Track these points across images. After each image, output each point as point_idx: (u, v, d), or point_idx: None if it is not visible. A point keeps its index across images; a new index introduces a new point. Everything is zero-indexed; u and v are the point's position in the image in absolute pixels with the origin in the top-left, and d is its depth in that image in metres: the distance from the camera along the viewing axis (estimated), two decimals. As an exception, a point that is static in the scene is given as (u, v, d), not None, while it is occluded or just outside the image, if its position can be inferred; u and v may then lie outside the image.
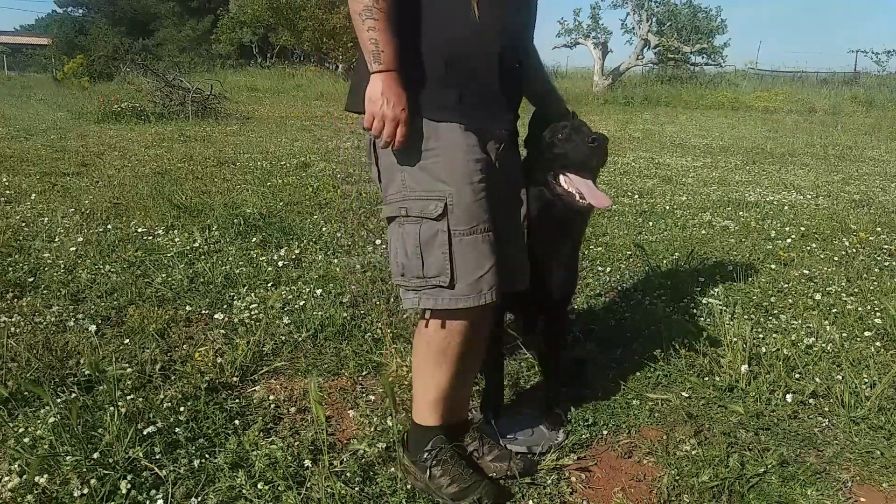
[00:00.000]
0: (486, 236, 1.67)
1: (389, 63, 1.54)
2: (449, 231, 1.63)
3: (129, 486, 1.74)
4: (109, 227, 4.26)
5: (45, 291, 3.17)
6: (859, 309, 3.19)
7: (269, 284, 3.37)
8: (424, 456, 1.82)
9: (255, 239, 4.10)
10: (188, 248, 3.87)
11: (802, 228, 4.86)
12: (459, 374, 1.80)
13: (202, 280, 3.39)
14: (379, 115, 1.56)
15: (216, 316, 2.95)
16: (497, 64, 1.68)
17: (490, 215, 1.68)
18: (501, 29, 1.67)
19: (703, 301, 3.23)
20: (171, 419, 2.08)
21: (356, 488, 1.81)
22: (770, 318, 3.13)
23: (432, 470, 1.80)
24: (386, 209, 1.72)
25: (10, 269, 3.44)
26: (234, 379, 2.39)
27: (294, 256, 3.84)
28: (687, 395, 2.42)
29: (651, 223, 4.98)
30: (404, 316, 2.89)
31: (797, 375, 2.55)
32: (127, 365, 2.41)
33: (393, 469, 1.90)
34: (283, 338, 2.78)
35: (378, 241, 4.14)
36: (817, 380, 2.48)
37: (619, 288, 3.54)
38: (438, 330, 1.73)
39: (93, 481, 1.72)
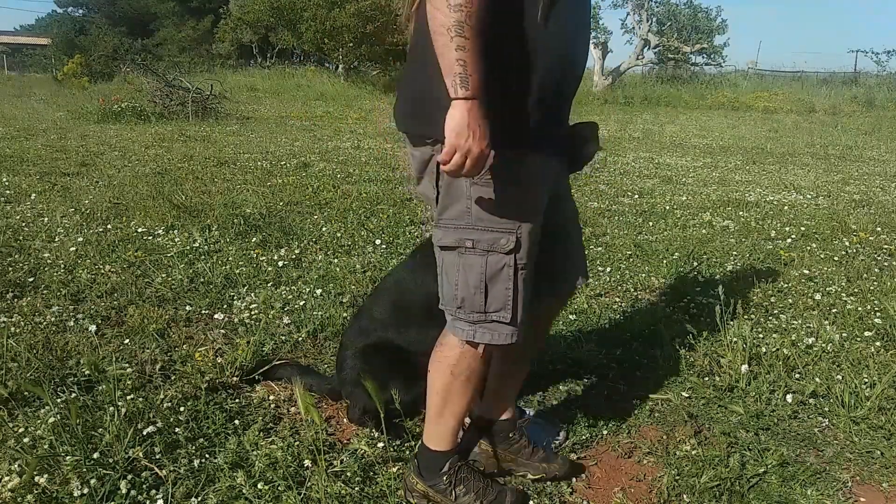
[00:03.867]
0: (534, 268, 1.64)
1: (476, 90, 1.36)
2: (515, 266, 1.56)
3: (129, 486, 1.74)
4: (109, 227, 4.26)
5: (45, 291, 3.17)
6: (859, 309, 3.19)
7: (269, 284, 3.37)
8: (444, 480, 1.76)
9: (255, 239, 4.11)
10: (188, 248, 3.87)
11: (802, 228, 4.86)
12: (477, 393, 1.78)
13: (202, 280, 3.39)
14: (463, 149, 1.37)
15: (216, 316, 2.95)
16: (570, 84, 1.61)
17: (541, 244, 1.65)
18: (576, 50, 1.57)
19: (703, 301, 3.23)
20: (171, 419, 2.08)
21: (356, 488, 1.81)
22: (770, 318, 3.13)
23: (456, 491, 1.75)
24: (441, 235, 1.59)
25: (10, 269, 3.44)
26: (234, 379, 2.39)
27: (294, 256, 3.84)
28: (687, 395, 2.42)
29: (651, 223, 4.98)
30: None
31: (797, 375, 2.55)
32: (127, 365, 2.41)
33: (394, 469, 1.90)
34: (283, 338, 2.79)
35: (378, 241, 4.14)
36: (817, 380, 2.48)
37: (619, 288, 3.54)
38: (464, 359, 1.67)
39: (93, 481, 1.72)
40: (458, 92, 1.35)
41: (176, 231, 4.22)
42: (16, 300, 3.06)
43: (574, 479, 1.95)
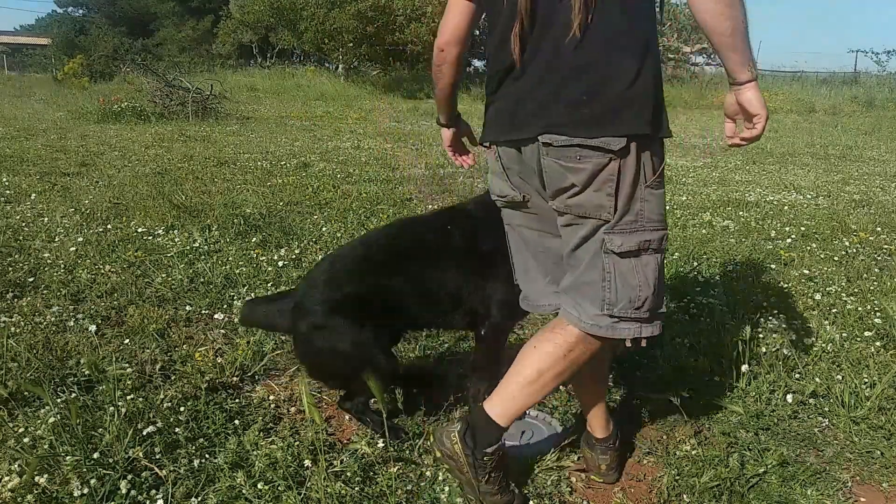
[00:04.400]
0: None
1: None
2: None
3: (129, 486, 1.74)
4: (109, 227, 4.26)
5: (45, 291, 3.17)
6: (859, 309, 3.19)
7: (269, 284, 3.37)
8: (485, 458, 1.68)
9: (255, 239, 4.11)
10: (188, 248, 3.87)
11: (802, 228, 4.86)
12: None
13: (202, 280, 3.39)
14: (767, 119, 1.54)
15: (216, 316, 2.95)
16: None
17: None
18: None
19: (703, 301, 3.23)
20: (171, 419, 2.08)
21: (356, 488, 1.81)
22: (770, 318, 3.13)
23: (491, 474, 1.69)
24: (621, 241, 1.58)
25: (10, 269, 3.44)
26: (234, 379, 2.39)
27: (294, 256, 3.84)
28: (687, 395, 2.41)
29: (651, 223, 4.97)
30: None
31: (797, 375, 2.55)
32: (127, 365, 2.41)
33: (394, 469, 1.90)
34: (284, 338, 2.78)
35: (378, 241, 4.14)
36: (817, 380, 2.48)
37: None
38: (579, 349, 1.66)
39: (93, 481, 1.72)
40: (754, 74, 1.51)
41: (176, 231, 4.22)
42: (16, 300, 3.06)
43: (574, 479, 1.95)
